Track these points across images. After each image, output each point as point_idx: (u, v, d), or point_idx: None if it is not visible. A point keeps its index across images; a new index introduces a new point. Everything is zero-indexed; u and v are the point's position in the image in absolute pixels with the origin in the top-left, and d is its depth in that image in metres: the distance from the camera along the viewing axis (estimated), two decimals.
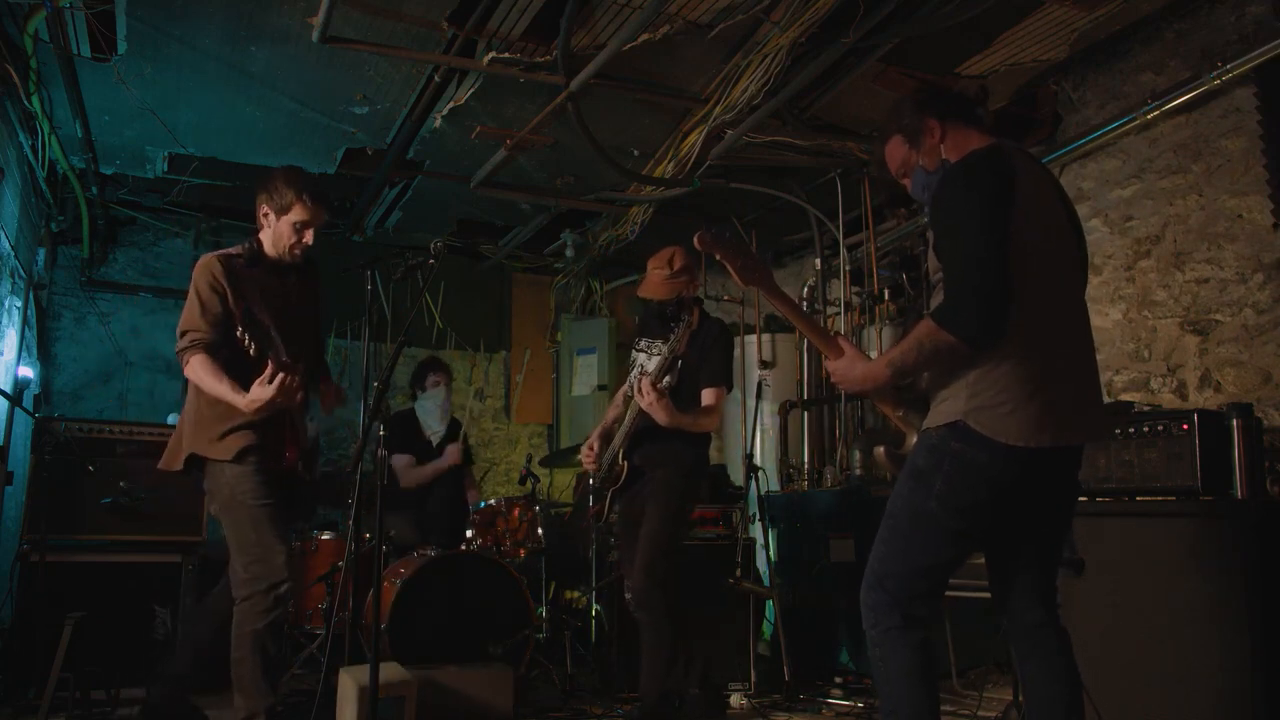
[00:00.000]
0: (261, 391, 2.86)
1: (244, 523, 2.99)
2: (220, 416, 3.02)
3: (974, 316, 2.08)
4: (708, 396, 3.56)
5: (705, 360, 3.53)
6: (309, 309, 3.32)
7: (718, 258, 2.40)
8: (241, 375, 2.93)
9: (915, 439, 2.35)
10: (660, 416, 3.40)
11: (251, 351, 2.89)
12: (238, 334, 2.89)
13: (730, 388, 3.67)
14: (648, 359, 3.68)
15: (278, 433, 3.12)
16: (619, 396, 3.90)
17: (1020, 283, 2.10)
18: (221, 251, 3.13)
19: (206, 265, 3.06)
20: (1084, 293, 2.35)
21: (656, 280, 3.59)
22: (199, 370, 2.98)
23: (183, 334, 3.01)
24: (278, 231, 3.13)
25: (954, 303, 2.10)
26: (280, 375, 2.83)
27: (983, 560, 2.39)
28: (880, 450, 2.56)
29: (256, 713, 2.93)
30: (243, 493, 3.00)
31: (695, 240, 2.38)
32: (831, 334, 2.41)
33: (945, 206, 2.20)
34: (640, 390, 3.39)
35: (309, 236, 3.14)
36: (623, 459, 3.60)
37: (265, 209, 3.14)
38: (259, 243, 3.17)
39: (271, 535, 2.98)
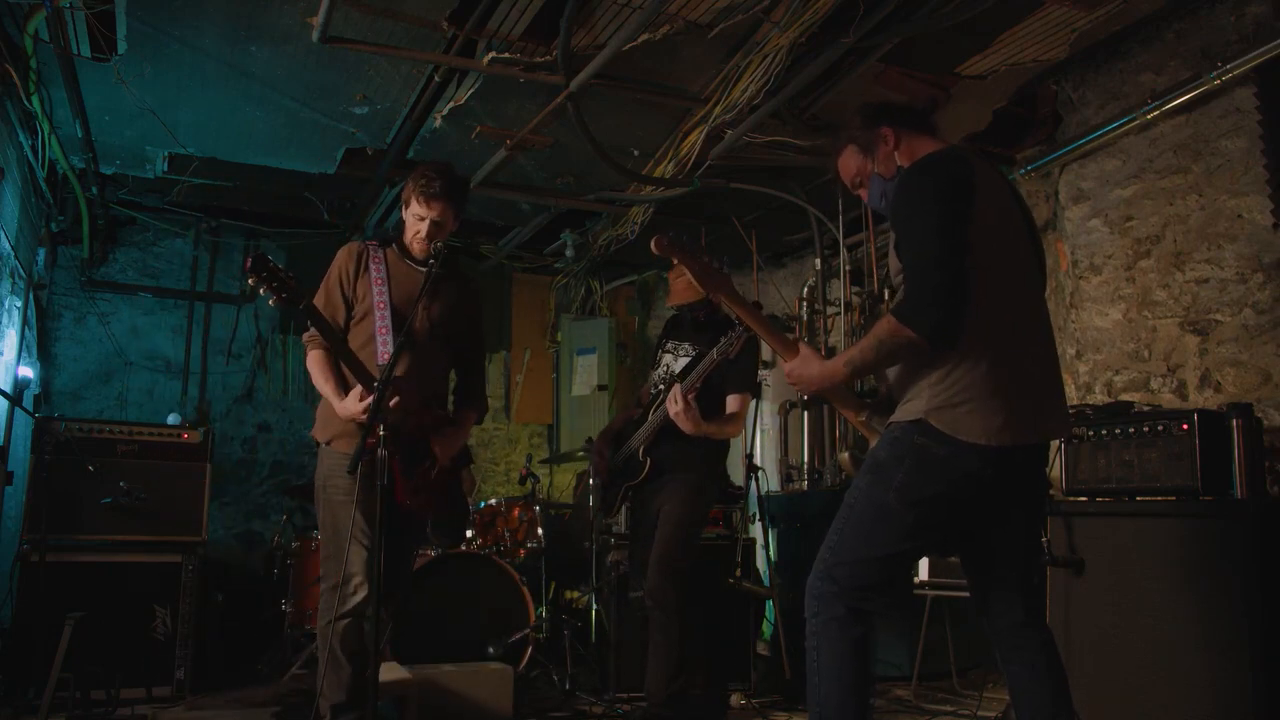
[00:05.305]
0: (348, 406, 2.82)
1: (326, 514, 2.94)
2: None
3: (933, 313, 2.09)
4: (733, 403, 3.54)
5: (732, 366, 3.47)
6: (454, 313, 3.16)
7: (676, 262, 2.42)
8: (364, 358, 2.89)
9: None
10: (685, 426, 3.38)
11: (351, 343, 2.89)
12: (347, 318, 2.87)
13: (756, 395, 3.62)
14: (674, 359, 3.67)
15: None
16: (634, 400, 3.90)
17: (980, 282, 2.11)
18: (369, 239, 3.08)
19: (340, 252, 3.04)
20: (1043, 294, 2.36)
21: (682, 286, 3.58)
22: (311, 366, 2.99)
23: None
24: (407, 219, 3.07)
25: (913, 300, 2.11)
26: (365, 397, 2.75)
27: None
28: (845, 456, 2.59)
29: (324, 711, 2.85)
30: (334, 485, 2.92)
31: (653, 245, 2.40)
32: (790, 337, 2.40)
33: (903, 207, 2.21)
34: (673, 398, 3.38)
35: (426, 231, 3.00)
36: (644, 455, 3.60)
37: (405, 194, 3.07)
38: (400, 229, 3.12)
39: (346, 534, 2.77)
